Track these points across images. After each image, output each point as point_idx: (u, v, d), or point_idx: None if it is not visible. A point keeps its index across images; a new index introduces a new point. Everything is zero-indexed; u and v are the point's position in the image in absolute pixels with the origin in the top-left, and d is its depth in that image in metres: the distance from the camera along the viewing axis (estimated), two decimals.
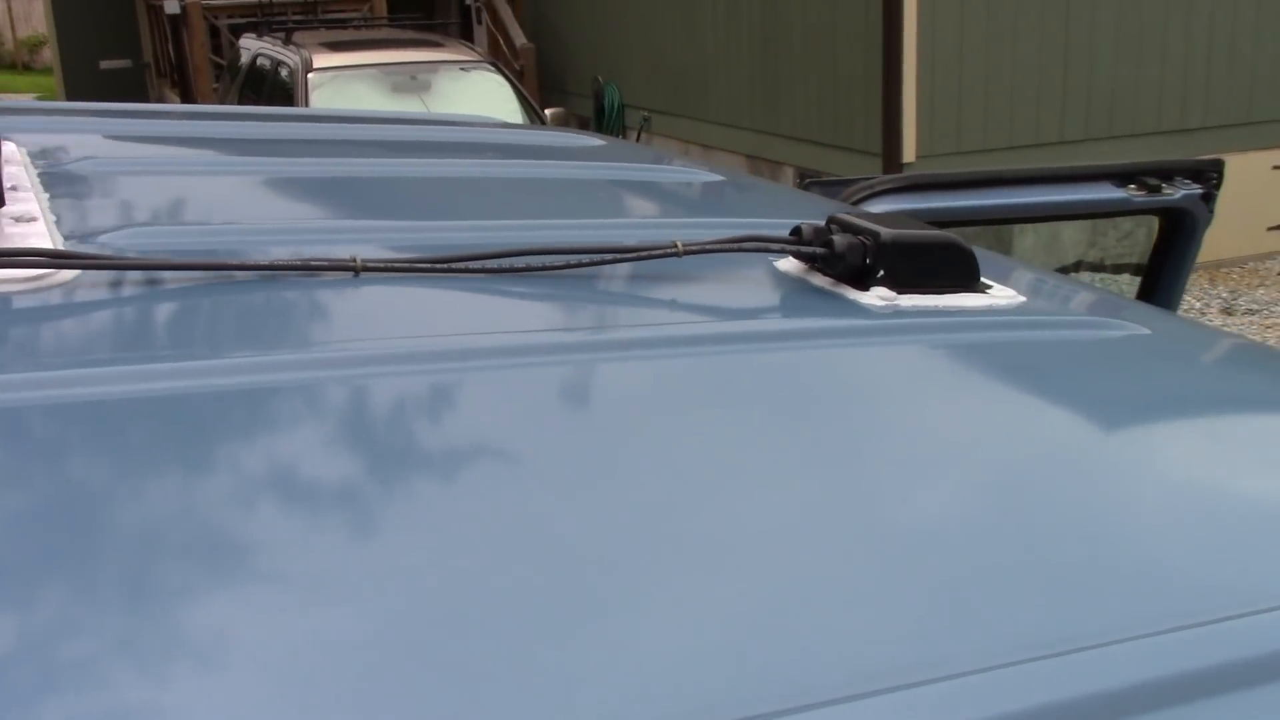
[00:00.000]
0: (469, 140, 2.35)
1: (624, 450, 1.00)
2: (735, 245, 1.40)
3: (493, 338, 1.17)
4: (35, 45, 28.77)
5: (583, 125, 14.46)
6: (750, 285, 1.44)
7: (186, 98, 16.52)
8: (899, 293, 1.38)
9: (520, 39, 14.10)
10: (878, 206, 2.86)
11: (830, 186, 2.95)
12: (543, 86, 14.12)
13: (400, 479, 0.91)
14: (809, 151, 10.70)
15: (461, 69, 11.22)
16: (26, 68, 29.84)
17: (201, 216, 1.62)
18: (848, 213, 1.47)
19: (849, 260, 1.39)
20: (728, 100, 11.82)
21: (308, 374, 1.06)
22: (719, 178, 2.13)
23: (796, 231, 1.45)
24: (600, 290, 1.36)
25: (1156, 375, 1.30)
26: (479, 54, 11.84)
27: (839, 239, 1.39)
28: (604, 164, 2.15)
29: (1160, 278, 3.12)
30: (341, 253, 1.31)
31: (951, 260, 1.43)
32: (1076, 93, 9.78)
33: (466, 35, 15.39)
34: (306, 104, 10.49)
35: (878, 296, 1.37)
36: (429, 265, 1.32)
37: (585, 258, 1.37)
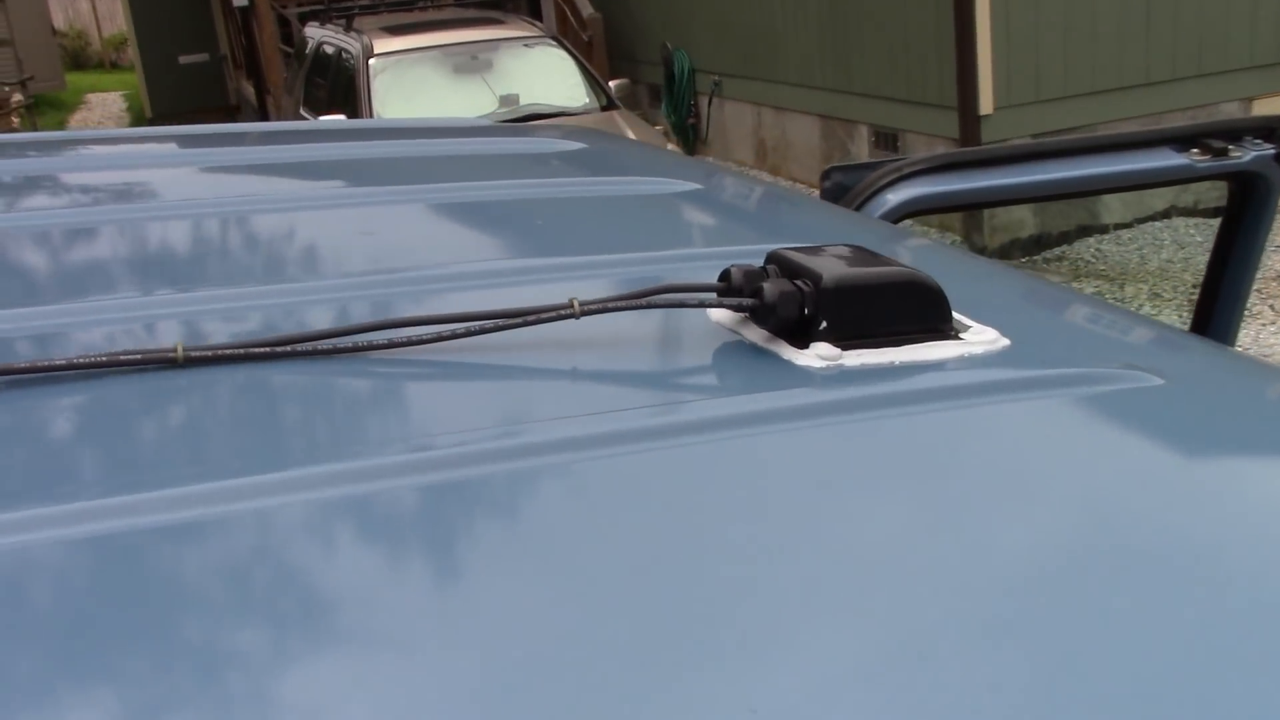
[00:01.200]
0: (400, 155, 2.11)
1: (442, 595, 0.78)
2: (643, 301, 1.16)
3: (316, 468, 0.95)
4: (119, 43, 29.17)
5: (653, 94, 14.19)
6: (665, 349, 1.20)
7: (260, 89, 16.56)
8: (845, 348, 1.14)
9: (587, 10, 13.84)
10: (907, 191, 2.58)
11: (853, 171, 2.68)
12: (611, 56, 13.86)
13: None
14: (883, 109, 10.32)
15: (524, 45, 11.01)
16: (114, 65, 30.28)
17: None
18: (793, 249, 1.22)
19: (782, 313, 1.14)
20: (799, 60, 11.46)
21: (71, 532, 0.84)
22: (692, 187, 1.87)
23: (726, 276, 1.21)
24: (476, 368, 1.13)
25: (1167, 450, 1.04)
26: (540, 29, 11.61)
27: (769, 287, 1.15)
28: (559, 180, 1.91)
29: (1232, 251, 2.79)
30: (167, 334, 1.10)
31: (914, 302, 1.18)
32: (1161, 29, 9.27)
33: (534, 10, 15.17)
34: (369, 91, 10.36)
35: (817, 355, 1.13)
36: (268, 349, 1.10)
37: (460, 327, 1.14)
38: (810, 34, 11.21)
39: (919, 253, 1.67)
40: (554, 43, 11.14)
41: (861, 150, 10.70)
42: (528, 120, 9.58)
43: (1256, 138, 2.71)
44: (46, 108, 21.99)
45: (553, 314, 1.14)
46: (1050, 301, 1.47)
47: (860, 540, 0.85)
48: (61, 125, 20.99)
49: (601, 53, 13.33)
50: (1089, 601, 0.78)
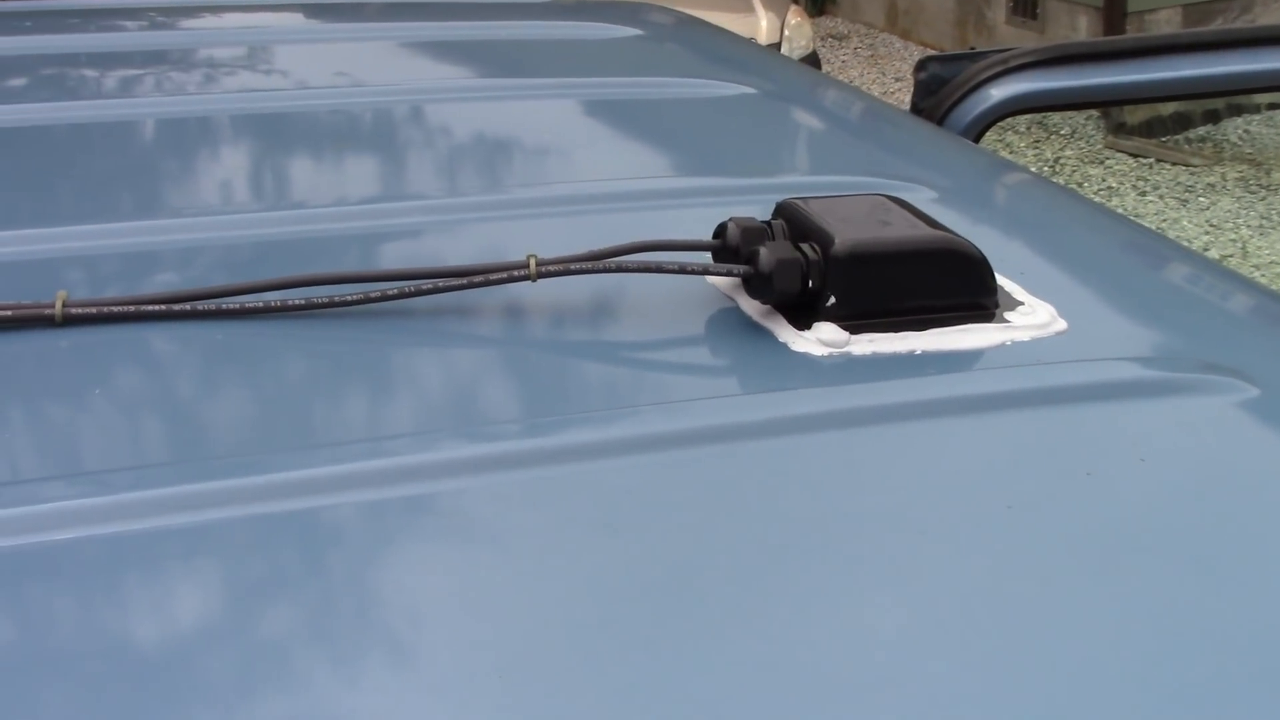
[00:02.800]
0: (415, 39, 1.88)
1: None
2: (611, 264, 0.96)
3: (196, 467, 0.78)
4: None
5: None
6: (637, 321, 0.99)
7: None
8: (855, 330, 0.93)
9: None
10: (1011, 87, 2.31)
11: (952, 63, 2.41)
12: None
13: None
14: None
15: None
16: None
17: None
18: (807, 200, 1.00)
19: (779, 285, 0.93)
20: None
21: None
22: (746, 91, 1.63)
23: (721, 232, 1.00)
24: (401, 341, 0.94)
25: (1264, 497, 0.81)
26: None
27: (766, 254, 0.93)
28: (590, 80, 1.68)
29: None
30: (46, 284, 0.93)
31: (948, 274, 0.96)
32: None
33: None
34: None
35: (819, 339, 0.92)
36: (163, 306, 0.93)
37: (391, 287, 0.95)
38: None
39: (989, 185, 1.43)
40: None
41: (998, 15, 10.12)
42: None
43: None
44: None
45: (503, 275, 0.95)
46: (1136, 260, 1.23)
47: (840, 646, 0.66)
48: None
49: None
50: None
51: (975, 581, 0.69)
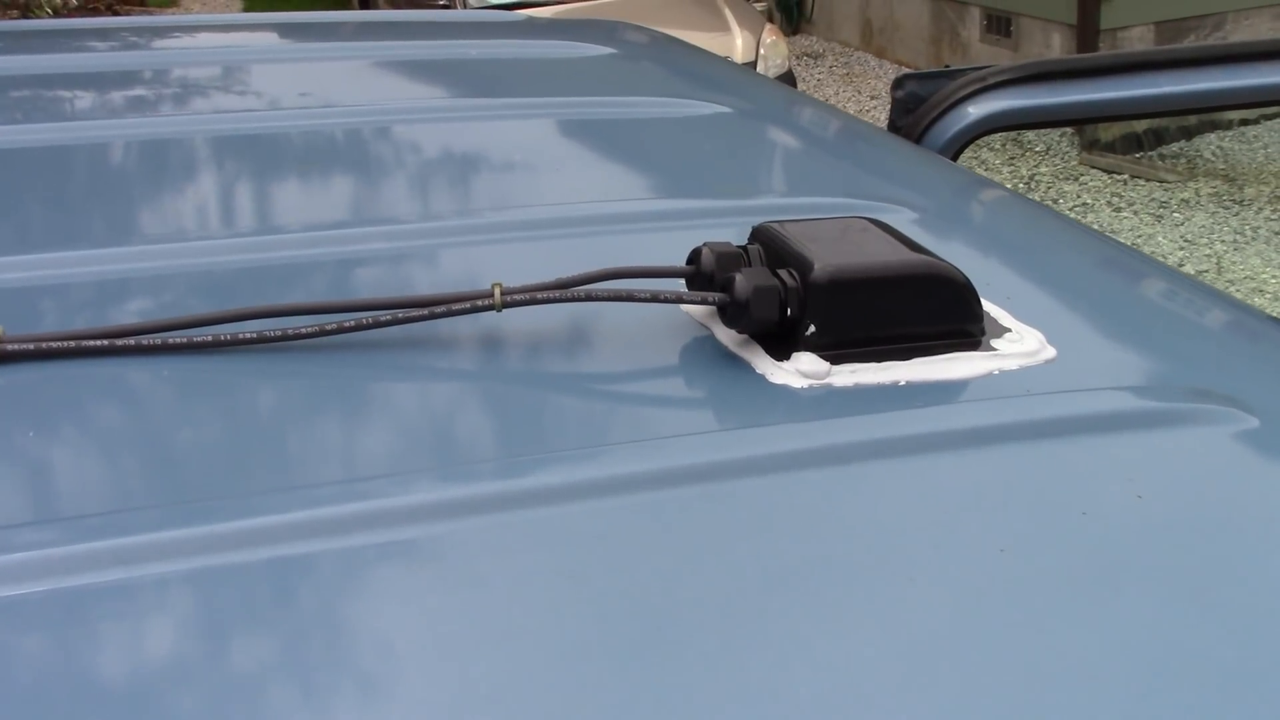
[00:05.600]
0: (384, 58, 1.84)
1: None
2: (580, 292, 0.91)
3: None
4: None
5: None
6: (607, 352, 0.95)
7: None
8: (836, 360, 0.88)
9: None
10: (990, 105, 2.29)
11: (929, 80, 2.38)
12: None
13: None
14: None
15: None
16: None
17: None
18: (785, 224, 0.96)
19: (756, 314, 0.89)
20: None
21: None
22: (720, 110, 1.59)
23: (695, 257, 0.96)
24: (358, 376, 0.89)
25: (1262, 539, 0.76)
26: None
27: (742, 281, 0.89)
28: (561, 99, 1.64)
29: None
30: None
31: (932, 300, 0.92)
32: None
33: None
34: None
35: (798, 370, 0.88)
36: (105, 342, 0.88)
37: (348, 319, 0.90)
38: None
39: (971, 206, 1.39)
40: None
41: (972, 34, 10.14)
42: None
43: None
44: None
45: (466, 305, 0.90)
46: (1124, 283, 1.19)
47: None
48: None
49: None
50: None
51: (968, 630, 0.65)
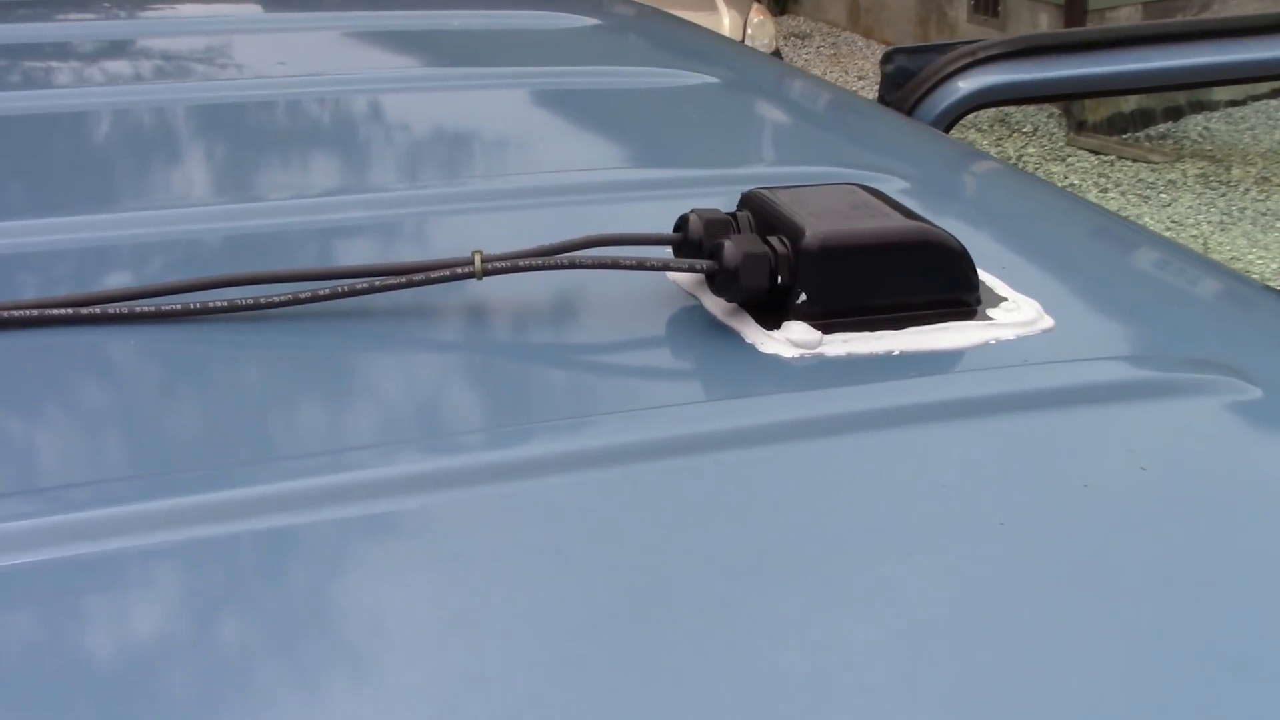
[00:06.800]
0: (368, 28, 1.80)
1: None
2: (563, 259, 0.88)
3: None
4: None
5: None
6: (592, 322, 0.92)
7: None
8: (828, 329, 0.86)
9: None
10: (980, 79, 2.25)
11: (919, 55, 2.35)
12: None
13: None
14: None
15: None
16: None
17: None
18: (774, 190, 0.93)
19: (745, 282, 0.86)
20: None
21: None
22: (707, 80, 1.56)
23: (683, 224, 0.93)
24: (346, 340, 0.86)
25: (1267, 510, 0.74)
26: None
27: (731, 248, 0.86)
28: (545, 69, 1.61)
29: None
30: None
31: (926, 268, 0.89)
32: None
33: None
34: None
35: (789, 339, 0.85)
36: (69, 310, 0.85)
37: (323, 287, 0.87)
38: None
39: (964, 176, 1.36)
40: None
41: (959, 13, 10.11)
42: None
43: None
44: None
45: (445, 272, 0.87)
46: (1121, 253, 1.16)
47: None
48: None
49: None
50: None
51: (966, 604, 0.63)
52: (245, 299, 0.86)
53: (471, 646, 0.58)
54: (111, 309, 0.85)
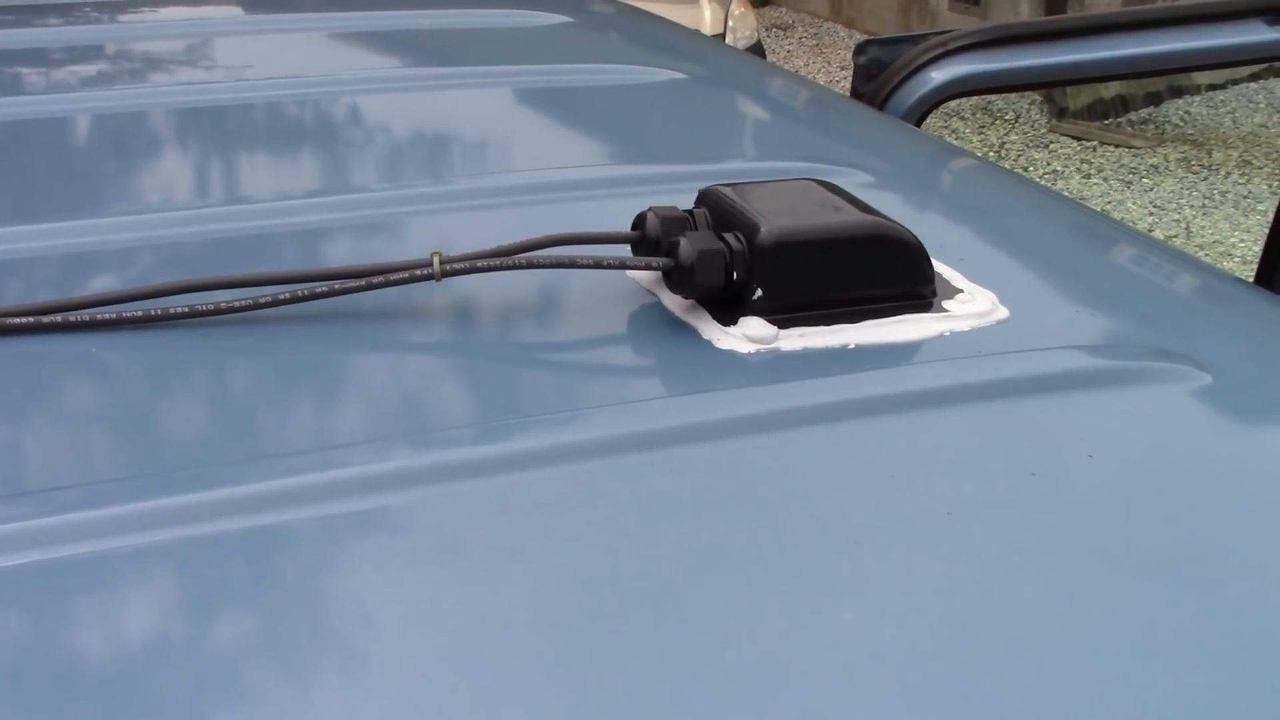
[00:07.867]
0: (334, 28, 1.80)
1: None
2: (521, 259, 0.89)
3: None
4: None
5: None
6: (551, 320, 0.93)
7: None
8: (784, 324, 0.86)
9: None
10: (954, 69, 2.26)
11: (891, 46, 2.35)
12: None
13: None
14: None
15: None
16: None
17: None
18: (731, 186, 0.94)
19: (701, 279, 0.87)
20: None
21: None
22: (675, 77, 1.57)
23: (640, 222, 0.94)
24: (306, 344, 0.87)
25: (1214, 500, 0.75)
26: None
27: (687, 245, 0.87)
28: (512, 67, 1.61)
29: None
30: None
31: (883, 261, 0.90)
32: None
33: None
34: None
35: (745, 335, 0.86)
36: (30, 319, 0.85)
37: (282, 291, 0.88)
38: None
39: (928, 169, 1.37)
40: None
41: (940, 3, 10.12)
42: None
43: None
44: None
45: (404, 274, 0.88)
46: (1080, 244, 1.17)
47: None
48: None
49: None
50: None
51: (915, 594, 0.63)
52: (207, 305, 0.87)
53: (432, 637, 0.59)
54: (73, 317, 0.86)
